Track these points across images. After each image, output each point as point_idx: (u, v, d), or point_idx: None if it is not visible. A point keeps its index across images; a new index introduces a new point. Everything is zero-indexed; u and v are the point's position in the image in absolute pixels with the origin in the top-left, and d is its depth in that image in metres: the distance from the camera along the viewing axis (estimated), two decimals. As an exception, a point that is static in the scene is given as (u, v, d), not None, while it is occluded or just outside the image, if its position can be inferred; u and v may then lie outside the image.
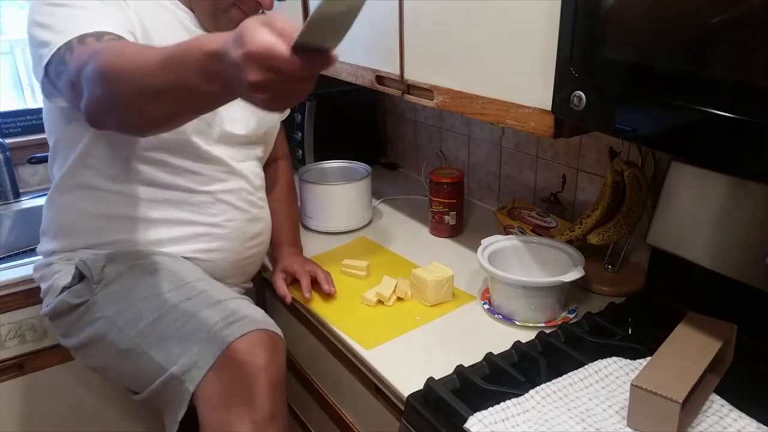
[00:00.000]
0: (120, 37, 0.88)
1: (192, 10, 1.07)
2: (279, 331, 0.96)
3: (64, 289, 1.04)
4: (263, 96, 0.58)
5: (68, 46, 0.84)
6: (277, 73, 0.56)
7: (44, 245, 1.13)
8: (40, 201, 1.68)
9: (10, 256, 1.63)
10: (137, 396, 1.01)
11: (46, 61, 0.86)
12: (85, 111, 0.78)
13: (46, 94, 0.95)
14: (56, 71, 0.85)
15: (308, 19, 0.52)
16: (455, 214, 1.40)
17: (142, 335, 0.96)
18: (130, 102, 0.72)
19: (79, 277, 1.04)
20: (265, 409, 0.89)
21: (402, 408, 0.90)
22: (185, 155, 1.06)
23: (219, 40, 0.61)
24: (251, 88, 0.58)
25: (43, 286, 1.11)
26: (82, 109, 0.78)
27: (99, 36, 0.85)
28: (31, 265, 1.16)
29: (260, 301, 1.41)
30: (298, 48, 0.55)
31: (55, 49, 0.85)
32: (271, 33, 0.56)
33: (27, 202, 1.71)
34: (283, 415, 0.94)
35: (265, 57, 0.55)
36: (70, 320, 1.05)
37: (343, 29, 0.55)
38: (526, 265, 1.14)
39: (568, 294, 1.07)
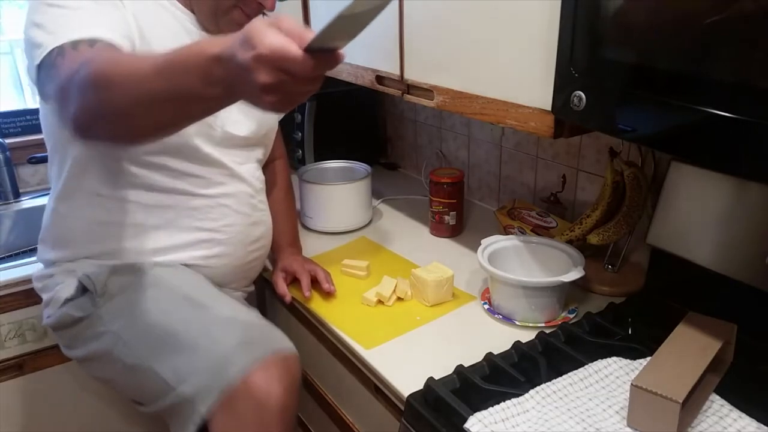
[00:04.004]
0: (112, 45, 0.86)
1: (192, 11, 1.06)
2: (292, 346, 0.94)
3: (67, 301, 1.03)
4: (272, 98, 0.58)
5: (60, 50, 0.82)
6: (290, 75, 0.56)
7: (44, 254, 1.12)
8: (40, 201, 1.68)
9: (10, 256, 1.63)
10: (143, 408, 1.00)
11: (37, 63, 0.84)
12: (73, 120, 0.74)
13: (42, 94, 0.94)
14: (47, 75, 0.83)
15: (332, 19, 0.51)
16: (455, 214, 1.40)
17: (149, 351, 0.95)
18: (123, 110, 0.70)
19: (82, 289, 1.03)
20: None
21: (402, 408, 0.90)
22: (186, 158, 1.05)
23: (222, 43, 0.60)
24: (262, 91, 0.57)
25: (45, 296, 1.10)
26: (69, 118, 0.75)
27: (92, 42, 0.84)
28: (31, 266, 1.16)
29: (260, 302, 1.41)
30: (310, 49, 0.55)
31: (46, 52, 0.83)
32: (280, 34, 0.55)
33: (27, 202, 1.71)
34: None
35: (276, 59, 0.55)
36: (73, 333, 1.04)
37: (360, 29, 0.55)
38: (526, 265, 1.14)
39: (568, 294, 1.07)
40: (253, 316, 0.99)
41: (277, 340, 0.93)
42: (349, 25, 0.53)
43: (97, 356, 1.02)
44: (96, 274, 1.03)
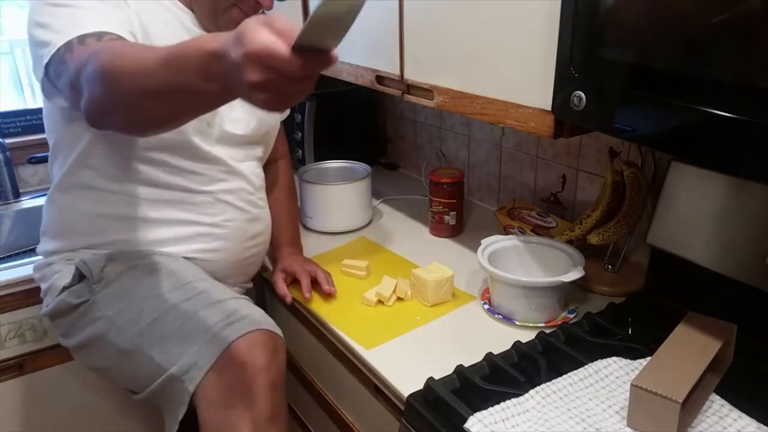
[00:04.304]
0: (120, 38, 0.88)
1: (192, 10, 1.07)
2: (279, 330, 0.96)
3: (64, 289, 1.04)
4: (263, 96, 0.58)
5: (68, 46, 0.84)
6: (277, 73, 0.56)
7: (44, 245, 1.13)
8: (40, 201, 1.68)
9: (10, 256, 1.63)
10: (137, 396, 1.01)
11: (46, 61, 0.86)
12: (85, 111, 0.78)
13: (47, 94, 0.95)
14: (56, 71, 0.86)
15: (308, 19, 0.52)
16: (455, 214, 1.40)
17: (141, 335, 0.96)
18: (130, 102, 0.72)
19: (79, 277, 1.04)
20: (265, 408, 0.89)
21: (402, 408, 0.90)
22: (185, 155, 1.06)
23: (219, 40, 0.61)
24: (252, 88, 0.57)
25: (43, 286, 1.11)
26: (81, 110, 0.78)
27: (99, 36, 0.85)
28: (31, 265, 1.17)
29: (260, 301, 1.41)
30: (298, 48, 0.55)
31: (54, 49, 0.85)
32: (270, 33, 0.56)
33: (27, 202, 1.71)
34: (283, 415, 0.94)
35: (264, 57, 0.55)
36: (70, 320, 1.05)
37: (343, 29, 0.55)
38: (526, 265, 1.14)
39: (568, 294, 1.07)
40: (243, 300, 1.00)
41: (264, 322, 0.94)
42: (330, 24, 0.53)
43: (92, 342, 1.02)
44: (93, 260, 1.04)
